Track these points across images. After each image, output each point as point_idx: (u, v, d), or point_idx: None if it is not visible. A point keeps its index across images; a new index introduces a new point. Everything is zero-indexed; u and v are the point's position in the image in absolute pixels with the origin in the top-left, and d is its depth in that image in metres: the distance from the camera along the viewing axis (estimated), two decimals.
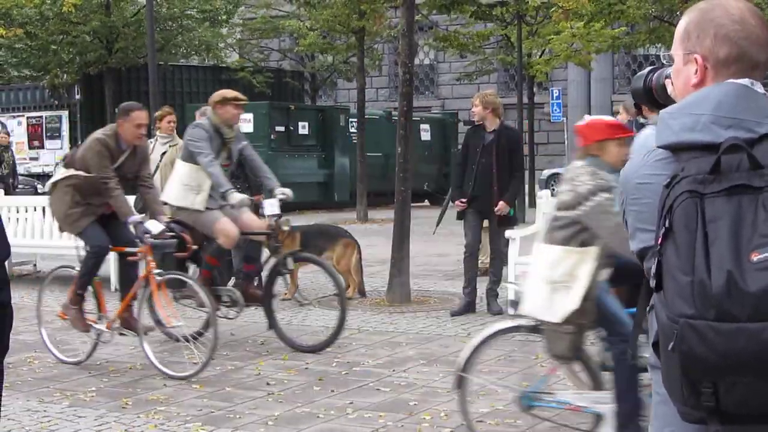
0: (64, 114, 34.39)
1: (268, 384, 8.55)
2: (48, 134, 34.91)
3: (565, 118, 39.03)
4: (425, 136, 34.24)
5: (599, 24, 25.96)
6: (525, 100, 30.42)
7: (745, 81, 2.60)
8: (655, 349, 2.55)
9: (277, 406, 7.84)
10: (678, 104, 2.65)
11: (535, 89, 33.64)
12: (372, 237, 20.16)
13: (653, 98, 2.98)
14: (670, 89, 2.86)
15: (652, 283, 2.51)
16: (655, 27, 27.21)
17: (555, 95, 37.45)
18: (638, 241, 2.67)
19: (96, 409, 7.82)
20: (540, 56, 31.66)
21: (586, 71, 38.78)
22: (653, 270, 2.50)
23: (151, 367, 9.26)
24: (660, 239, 2.48)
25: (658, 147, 2.64)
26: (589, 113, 25.81)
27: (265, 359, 9.48)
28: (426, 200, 32.57)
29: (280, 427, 7.24)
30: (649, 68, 3.04)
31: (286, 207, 10.32)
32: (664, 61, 2.91)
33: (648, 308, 2.67)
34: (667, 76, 2.91)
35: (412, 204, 13.64)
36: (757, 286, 2.34)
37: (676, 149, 2.59)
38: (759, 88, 2.61)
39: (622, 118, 10.79)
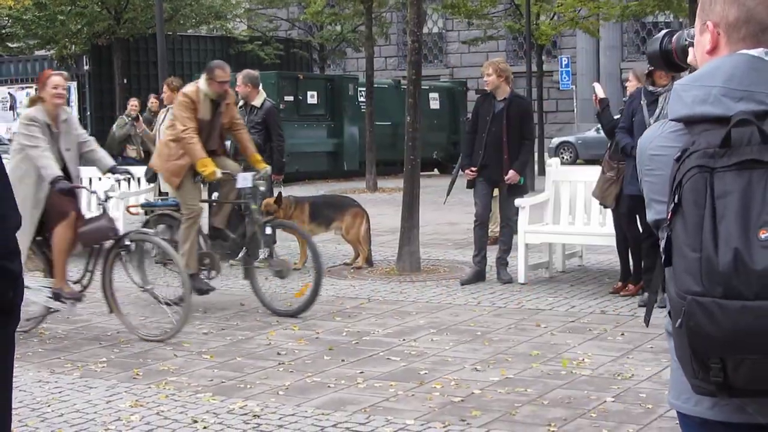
0: (73, 85, 34.34)
1: (278, 354, 8.56)
2: None
3: (574, 86, 38.97)
4: (434, 104, 34.18)
5: None
6: (534, 68, 30.33)
7: (758, 51, 2.56)
8: (671, 317, 2.54)
9: (287, 375, 7.85)
10: (691, 76, 2.62)
11: (543, 57, 33.55)
12: (381, 206, 20.18)
13: (671, 61, 2.93)
14: (690, 57, 2.83)
15: (663, 257, 2.50)
16: None
17: (564, 63, 37.38)
18: (654, 212, 2.65)
19: (107, 380, 7.84)
20: (548, 22, 31.58)
21: (594, 39, 38.67)
22: (662, 245, 2.50)
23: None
24: (669, 214, 2.47)
25: (671, 120, 2.62)
26: (598, 81, 25.77)
27: (276, 329, 9.49)
28: (435, 169, 32.56)
29: (291, 396, 7.25)
30: (665, 31, 2.99)
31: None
32: (687, 39, 2.87)
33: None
34: (687, 40, 2.88)
35: (422, 173, 13.62)
36: (764, 263, 2.32)
37: (688, 122, 2.56)
38: None
39: (632, 85, 10.72)
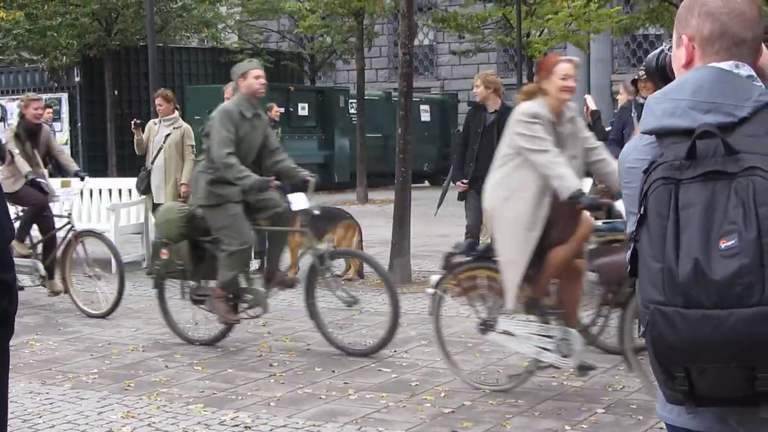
0: (64, 96, 34.31)
1: (270, 365, 8.56)
2: None
3: None
4: (425, 116, 34.24)
5: (596, 5, 26.08)
6: (524, 80, 30.37)
7: (728, 64, 2.59)
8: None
9: (279, 387, 7.85)
10: (663, 89, 2.66)
11: (534, 70, 33.58)
12: (372, 218, 20.18)
13: (666, 77, 2.97)
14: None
15: (629, 268, 2.55)
16: (655, 7, 27.21)
17: None
18: (631, 223, 2.67)
19: (98, 391, 7.84)
20: (539, 36, 31.64)
21: (585, 52, 38.71)
22: (627, 256, 2.55)
23: (154, 348, 9.29)
24: (635, 225, 2.51)
25: (642, 132, 2.65)
26: (589, 93, 25.83)
27: (267, 340, 9.50)
28: (426, 181, 32.58)
29: (282, 408, 7.25)
30: (662, 47, 3.03)
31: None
32: (665, 48, 2.91)
33: None
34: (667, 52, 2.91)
35: (413, 185, 13.63)
36: (722, 273, 2.35)
37: (658, 134, 2.60)
38: (745, 70, 2.59)
39: (622, 98, 10.77)
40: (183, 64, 36.44)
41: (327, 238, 13.15)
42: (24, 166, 11.59)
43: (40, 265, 11.42)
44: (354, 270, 12.97)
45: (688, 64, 2.68)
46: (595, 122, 10.78)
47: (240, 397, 7.56)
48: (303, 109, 30.94)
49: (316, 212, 9.44)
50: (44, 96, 34.47)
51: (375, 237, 16.39)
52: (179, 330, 9.61)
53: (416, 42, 40.19)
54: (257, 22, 41.95)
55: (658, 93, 2.64)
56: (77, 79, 33.86)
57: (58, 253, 11.40)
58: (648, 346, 2.47)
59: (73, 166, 12.35)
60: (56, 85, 34.47)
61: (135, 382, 8.11)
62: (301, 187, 9.44)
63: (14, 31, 32.91)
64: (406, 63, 12.84)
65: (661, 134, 2.58)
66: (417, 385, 7.81)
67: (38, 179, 11.53)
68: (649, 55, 3.06)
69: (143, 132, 14.15)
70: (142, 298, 11.72)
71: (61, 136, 33.12)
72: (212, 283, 9.30)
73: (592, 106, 10.93)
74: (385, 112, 31.39)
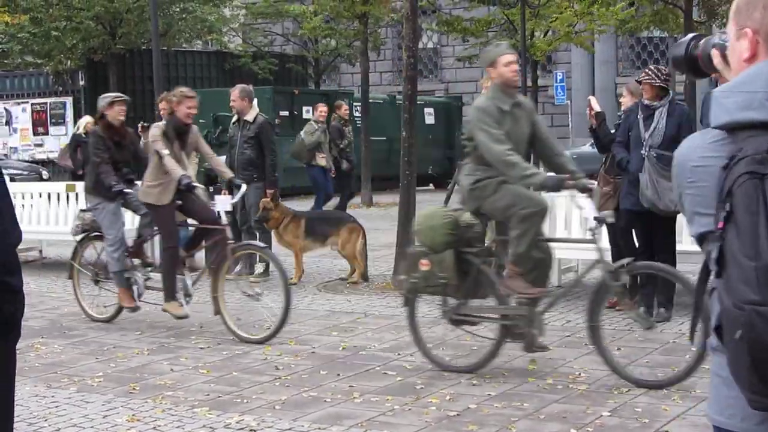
0: (69, 100, 34.38)
1: (275, 368, 8.56)
2: (52, 120, 34.90)
3: (569, 101, 38.96)
4: (429, 119, 34.20)
5: (599, 5, 26.09)
6: (529, 83, 30.37)
7: None
8: (717, 333, 2.46)
9: (284, 390, 7.85)
10: (731, 82, 2.56)
11: (538, 72, 33.61)
12: (377, 221, 20.18)
13: (696, 66, 2.85)
14: (716, 60, 2.74)
15: (713, 268, 2.44)
16: (660, 9, 27.21)
17: (559, 78, 37.44)
18: (697, 225, 2.58)
19: (104, 395, 7.84)
20: (543, 37, 31.67)
21: (589, 54, 38.71)
22: (714, 255, 2.43)
23: (159, 351, 9.29)
24: (722, 223, 2.41)
25: (713, 128, 2.55)
26: (593, 95, 25.83)
27: (272, 344, 9.49)
28: (430, 184, 32.55)
29: (287, 411, 7.25)
30: (691, 35, 2.91)
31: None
32: (720, 40, 2.80)
33: (710, 291, 2.55)
34: (714, 45, 2.77)
35: (417, 188, 13.63)
36: None
37: (732, 129, 2.50)
38: None
39: (626, 101, 10.73)
40: (187, 67, 36.51)
41: (331, 242, 13.18)
42: (176, 169, 10.05)
43: (191, 288, 10.39)
44: (359, 273, 12.98)
45: (752, 57, 2.58)
46: (600, 124, 10.74)
47: (245, 401, 7.56)
48: (307, 113, 30.88)
49: (610, 220, 8.65)
50: (49, 100, 34.73)
51: (380, 240, 16.41)
52: (432, 354, 8.63)
53: (420, 45, 40.24)
54: (261, 25, 42.03)
55: (726, 86, 2.55)
56: (82, 82, 33.94)
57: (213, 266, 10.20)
58: (741, 350, 2.33)
59: (227, 173, 10.91)
60: (61, 88, 34.54)
61: (140, 385, 8.11)
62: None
63: (19, 35, 32.99)
64: (410, 66, 12.83)
65: (735, 128, 2.49)
66: (422, 388, 7.81)
67: (194, 183, 10.11)
68: (676, 44, 2.94)
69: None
70: (145, 302, 11.71)
71: (65, 140, 33.14)
72: (475, 302, 8.47)
73: (597, 107, 10.86)
74: (389, 115, 31.35)
